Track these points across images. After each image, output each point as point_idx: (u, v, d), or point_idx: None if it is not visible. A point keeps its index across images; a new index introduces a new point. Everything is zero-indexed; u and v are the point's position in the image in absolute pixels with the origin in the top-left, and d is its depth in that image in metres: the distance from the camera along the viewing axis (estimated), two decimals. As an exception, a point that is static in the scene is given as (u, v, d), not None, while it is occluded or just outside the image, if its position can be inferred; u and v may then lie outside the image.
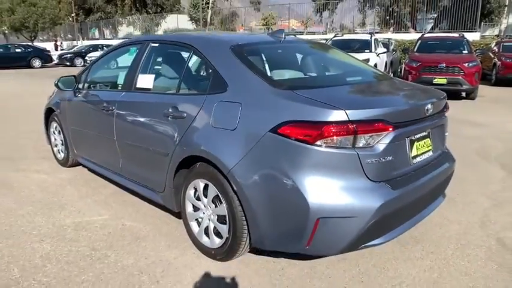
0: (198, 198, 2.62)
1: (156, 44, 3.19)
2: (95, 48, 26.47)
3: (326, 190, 2.03)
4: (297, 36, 4.89)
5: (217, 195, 2.43)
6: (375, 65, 10.59)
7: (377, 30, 25.30)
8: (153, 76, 3.08)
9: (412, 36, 18.95)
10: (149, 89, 3.05)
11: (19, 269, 2.48)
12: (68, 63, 24.98)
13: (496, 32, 23.94)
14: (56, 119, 4.41)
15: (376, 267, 2.48)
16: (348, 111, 2.01)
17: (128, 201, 3.55)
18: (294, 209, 2.07)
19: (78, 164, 4.42)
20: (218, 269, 2.48)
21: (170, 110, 2.70)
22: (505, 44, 14.60)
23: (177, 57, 3.10)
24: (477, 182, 4.01)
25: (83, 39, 39.27)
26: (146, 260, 2.59)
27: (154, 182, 2.99)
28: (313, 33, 29.82)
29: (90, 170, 4.24)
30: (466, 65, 9.74)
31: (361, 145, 2.05)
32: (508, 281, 2.32)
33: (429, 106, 2.39)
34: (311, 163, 2.03)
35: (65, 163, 4.49)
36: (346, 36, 13.77)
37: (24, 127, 6.73)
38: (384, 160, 2.11)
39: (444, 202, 2.86)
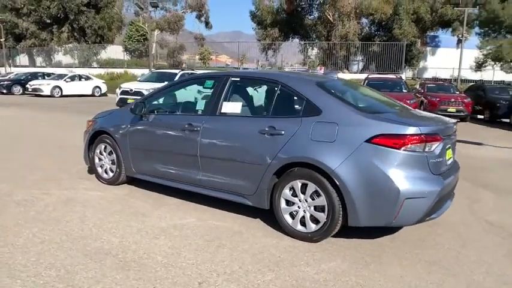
0: (294, 195, 3.44)
1: (237, 79, 4.03)
2: (34, 76, 25.40)
3: (408, 179, 3.02)
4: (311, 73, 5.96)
5: (316, 191, 3.29)
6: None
7: (305, 68, 28.09)
8: (240, 103, 3.89)
9: (346, 75, 21.47)
10: (237, 114, 3.85)
11: (162, 257, 3.06)
12: (4, 91, 23.60)
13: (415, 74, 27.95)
14: (107, 141, 4.89)
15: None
16: (420, 128, 3.07)
17: (198, 208, 4.18)
18: (387, 193, 3.02)
19: (124, 182, 4.92)
20: (317, 248, 3.29)
21: (267, 129, 3.54)
22: (428, 85, 17.43)
23: (264, 89, 3.96)
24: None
25: (10, 67, 37.07)
26: (256, 245, 3.31)
27: (243, 188, 3.73)
28: (247, 68, 32.19)
29: (131, 185, 4.76)
30: (408, 101, 11.70)
31: (427, 150, 3.10)
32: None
33: (454, 127, 3.56)
34: (398, 162, 3.03)
35: (114, 181, 4.93)
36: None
37: (18, 155, 6.85)
38: (438, 160, 3.18)
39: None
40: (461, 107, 15.02)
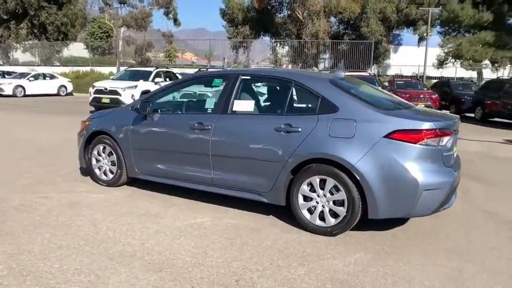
0: (312, 191, 3.51)
1: (248, 77, 4.04)
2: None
3: (425, 172, 3.18)
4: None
5: (335, 186, 3.38)
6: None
7: (271, 66, 28.42)
8: (252, 102, 3.91)
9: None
10: (250, 112, 3.87)
11: (189, 257, 3.04)
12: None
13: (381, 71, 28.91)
14: (107, 141, 4.76)
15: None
16: (434, 123, 3.23)
17: (209, 207, 4.17)
18: (406, 186, 3.16)
19: (124, 183, 4.81)
20: (337, 241, 3.39)
21: (283, 126, 3.59)
22: (397, 82, 18.12)
23: (277, 87, 4.00)
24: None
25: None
26: (279, 241, 3.36)
27: (258, 185, 3.76)
28: (213, 66, 32.12)
29: (132, 186, 4.69)
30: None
31: (440, 144, 3.27)
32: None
33: (459, 122, 3.76)
34: (416, 156, 3.17)
35: (114, 182, 4.81)
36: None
37: None
38: (449, 154, 3.36)
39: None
40: (429, 103, 15.69)
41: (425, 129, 3.20)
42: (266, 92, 4.08)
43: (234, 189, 3.96)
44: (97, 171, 4.96)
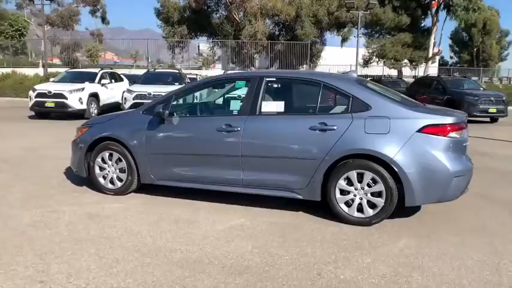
0: (349, 185, 3.74)
1: (273, 79, 4.14)
2: None
3: (453, 161, 3.58)
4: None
5: (372, 178, 3.65)
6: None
7: (197, 66, 28.44)
8: (281, 103, 4.03)
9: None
10: (281, 112, 3.98)
11: (258, 257, 3.09)
12: None
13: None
14: (114, 148, 4.52)
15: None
16: (456, 117, 3.65)
17: (235, 208, 4.19)
18: (439, 174, 3.53)
19: (132, 191, 4.61)
20: (376, 230, 3.66)
21: (318, 125, 3.77)
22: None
23: (306, 89, 4.15)
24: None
25: None
26: (327, 235, 3.54)
27: (293, 183, 3.89)
28: (139, 66, 31.19)
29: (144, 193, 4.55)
30: None
31: (461, 136, 3.70)
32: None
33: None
34: (445, 147, 3.56)
35: (123, 191, 4.58)
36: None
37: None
38: (466, 144, 3.81)
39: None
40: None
41: (451, 123, 3.61)
42: (294, 93, 4.23)
43: (265, 188, 4.04)
44: (101, 180, 4.67)
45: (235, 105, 4.20)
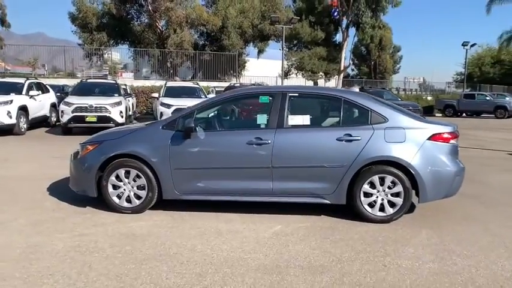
0: (372, 188, 4.25)
1: (296, 94, 4.49)
2: None
3: (454, 163, 4.32)
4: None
5: (392, 181, 4.21)
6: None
7: (103, 74, 27.35)
8: (307, 116, 4.39)
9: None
10: (307, 125, 4.35)
11: (321, 258, 3.40)
12: None
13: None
14: (132, 164, 4.42)
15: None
16: (453, 127, 4.42)
17: (263, 217, 4.42)
18: (446, 174, 4.24)
19: (148, 207, 4.55)
20: (397, 225, 4.22)
21: (343, 136, 4.23)
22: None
23: (328, 104, 4.57)
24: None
25: None
26: (358, 232, 3.99)
27: (321, 189, 4.28)
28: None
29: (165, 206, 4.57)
30: None
31: (456, 142, 4.47)
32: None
33: None
34: (448, 152, 4.29)
35: (142, 208, 4.49)
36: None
37: None
38: (458, 149, 4.60)
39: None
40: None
41: (451, 132, 4.36)
42: (317, 108, 4.63)
43: (294, 196, 4.36)
44: (115, 199, 4.52)
45: (261, 119, 4.45)
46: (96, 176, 4.50)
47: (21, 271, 3.06)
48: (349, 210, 4.40)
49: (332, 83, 36.97)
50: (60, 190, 5.36)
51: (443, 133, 4.32)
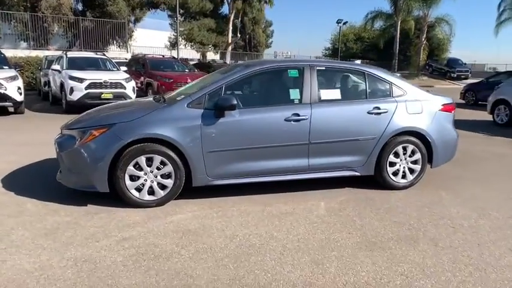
0: (396, 157, 4.52)
1: (323, 68, 4.40)
2: None
3: (454, 130, 4.88)
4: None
5: (412, 150, 4.55)
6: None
7: None
8: (338, 90, 4.36)
9: (53, 53, 18.40)
10: (338, 99, 4.33)
11: (394, 234, 3.53)
12: None
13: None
14: (157, 150, 3.79)
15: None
16: (452, 99, 4.94)
17: (299, 195, 4.32)
18: (452, 140, 4.77)
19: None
20: (417, 190, 4.61)
21: (373, 109, 4.36)
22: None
23: (352, 77, 4.55)
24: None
25: None
26: (390, 200, 4.25)
27: (353, 162, 4.38)
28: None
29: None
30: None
31: (454, 112, 5.02)
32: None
33: None
34: (451, 120, 4.83)
35: (169, 198, 3.93)
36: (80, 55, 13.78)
37: None
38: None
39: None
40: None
41: (452, 103, 4.88)
42: (343, 81, 4.57)
43: (328, 171, 4.36)
44: (134, 192, 3.83)
45: (295, 94, 4.24)
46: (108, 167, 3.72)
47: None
48: (362, 180, 4.63)
49: (218, 56, 36.85)
50: (32, 185, 4.26)
51: (449, 104, 4.82)
